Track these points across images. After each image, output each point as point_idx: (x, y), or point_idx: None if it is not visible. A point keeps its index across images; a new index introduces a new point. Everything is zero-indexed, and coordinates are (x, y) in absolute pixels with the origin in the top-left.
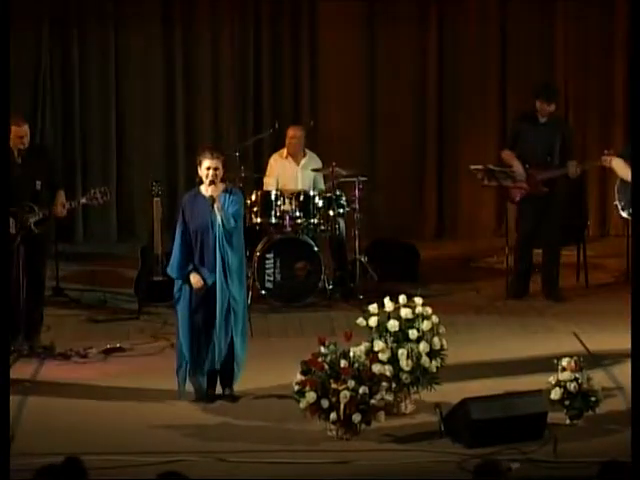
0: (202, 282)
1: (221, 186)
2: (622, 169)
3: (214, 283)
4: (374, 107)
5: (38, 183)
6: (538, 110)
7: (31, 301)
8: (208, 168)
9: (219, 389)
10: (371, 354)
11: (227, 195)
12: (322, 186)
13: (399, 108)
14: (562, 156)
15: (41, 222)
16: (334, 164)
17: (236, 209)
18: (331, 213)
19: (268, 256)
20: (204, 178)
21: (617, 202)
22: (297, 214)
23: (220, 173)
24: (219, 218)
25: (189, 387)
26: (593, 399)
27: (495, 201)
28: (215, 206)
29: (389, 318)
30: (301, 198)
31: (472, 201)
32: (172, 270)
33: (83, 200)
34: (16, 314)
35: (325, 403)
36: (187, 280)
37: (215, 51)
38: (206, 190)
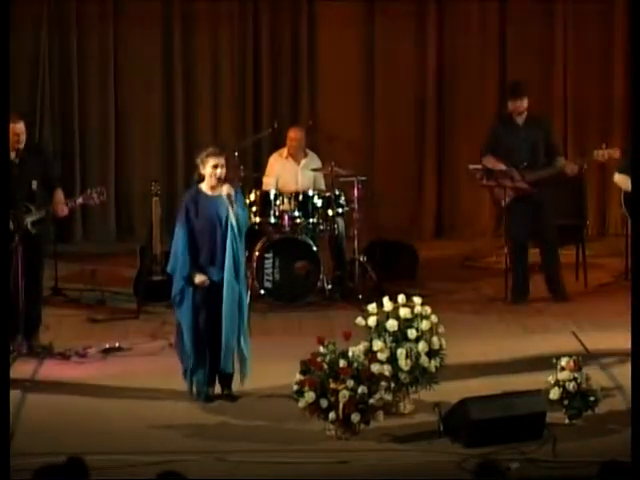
0: (207, 280)
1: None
2: (625, 182)
3: (219, 281)
4: (373, 107)
5: (35, 183)
6: (512, 110)
7: (30, 301)
8: (215, 166)
9: (218, 389)
10: (370, 354)
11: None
12: (323, 186)
13: (398, 108)
14: (548, 154)
15: (38, 222)
16: (333, 164)
17: (243, 207)
18: (330, 213)
19: (267, 256)
20: (210, 177)
21: (625, 212)
22: (296, 214)
23: (225, 170)
24: (232, 216)
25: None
26: (592, 399)
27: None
28: (233, 206)
29: (388, 318)
30: (300, 198)
31: (471, 201)
32: (176, 270)
33: (80, 199)
34: (15, 314)
35: (324, 403)
36: (192, 280)
37: (214, 51)
38: (211, 189)
